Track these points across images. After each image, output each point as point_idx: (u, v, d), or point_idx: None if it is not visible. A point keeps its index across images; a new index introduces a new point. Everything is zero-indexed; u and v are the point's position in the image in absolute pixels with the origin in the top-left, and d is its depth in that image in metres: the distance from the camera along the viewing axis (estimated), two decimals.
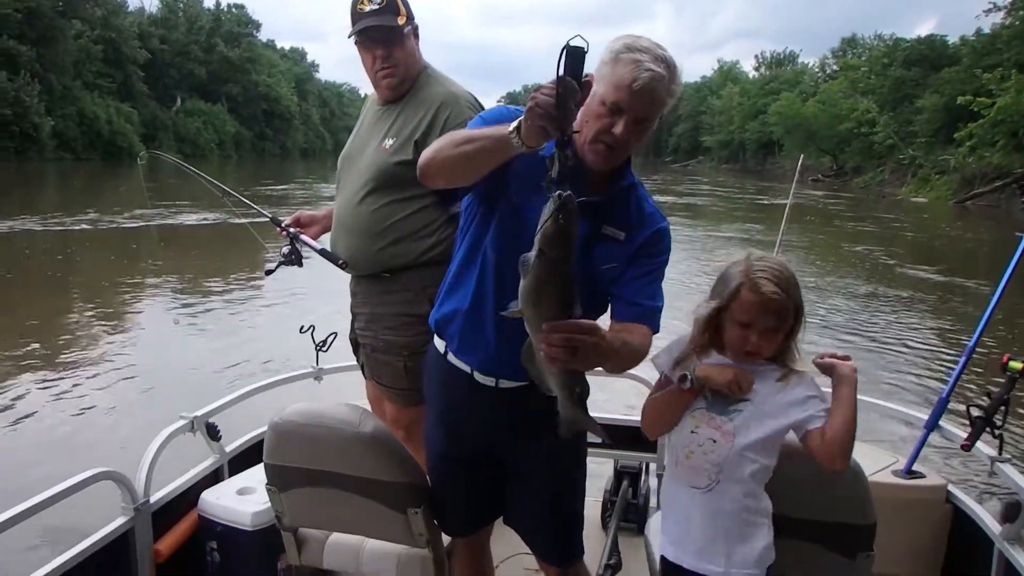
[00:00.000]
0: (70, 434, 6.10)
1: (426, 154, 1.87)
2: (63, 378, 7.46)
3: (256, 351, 8.16)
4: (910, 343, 9.80)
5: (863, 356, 8.65)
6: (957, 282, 14.41)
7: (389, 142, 2.63)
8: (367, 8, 2.57)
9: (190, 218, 19.15)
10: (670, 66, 1.78)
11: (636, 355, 1.87)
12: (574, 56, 1.49)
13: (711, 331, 1.88)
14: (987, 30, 40.63)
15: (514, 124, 1.61)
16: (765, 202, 32.60)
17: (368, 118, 2.83)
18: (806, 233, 20.97)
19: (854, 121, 47.53)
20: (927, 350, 9.53)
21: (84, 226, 18.43)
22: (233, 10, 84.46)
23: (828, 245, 19.98)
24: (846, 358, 1.88)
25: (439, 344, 2.14)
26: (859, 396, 1.85)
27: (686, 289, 12.60)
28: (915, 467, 2.95)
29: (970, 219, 28.26)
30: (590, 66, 1.61)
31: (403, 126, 2.63)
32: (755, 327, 1.81)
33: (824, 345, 8.70)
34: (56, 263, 14.25)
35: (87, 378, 7.49)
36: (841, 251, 19.09)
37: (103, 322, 9.91)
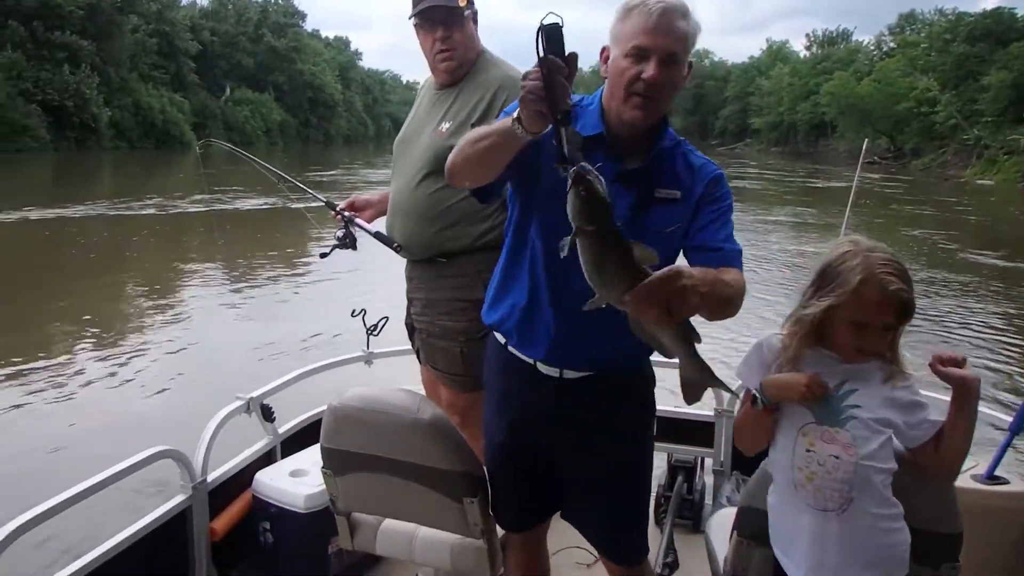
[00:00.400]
0: (127, 412, 6.22)
1: (450, 157, 1.84)
2: (123, 356, 7.74)
3: (307, 333, 8.23)
4: (980, 334, 9.38)
5: (929, 345, 8.33)
6: None
7: (446, 125, 2.62)
8: None
9: (246, 203, 19.66)
10: (681, 3, 1.77)
11: (732, 293, 1.70)
12: (551, 34, 1.49)
13: (815, 332, 1.74)
14: None
15: (515, 114, 1.59)
16: (818, 185, 32.08)
17: (424, 102, 2.83)
18: (861, 216, 20.26)
19: (913, 100, 46.30)
20: (998, 342, 9.09)
21: (151, 211, 19.02)
22: (279, 1, 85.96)
23: (886, 229, 19.37)
24: (963, 361, 1.71)
25: (500, 337, 2.09)
26: (931, 393, 1.77)
27: (751, 273, 12.57)
28: (997, 472, 2.77)
29: None
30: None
31: (460, 109, 2.62)
32: (872, 326, 1.67)
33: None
34: (123, 245, 14.89)
35: (147, 356, 7.71)
36: (899, 235, 18.47)
37: (163, 302, 10.30)
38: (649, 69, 1.72)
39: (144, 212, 18.73)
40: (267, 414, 3.06)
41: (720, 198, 1.88)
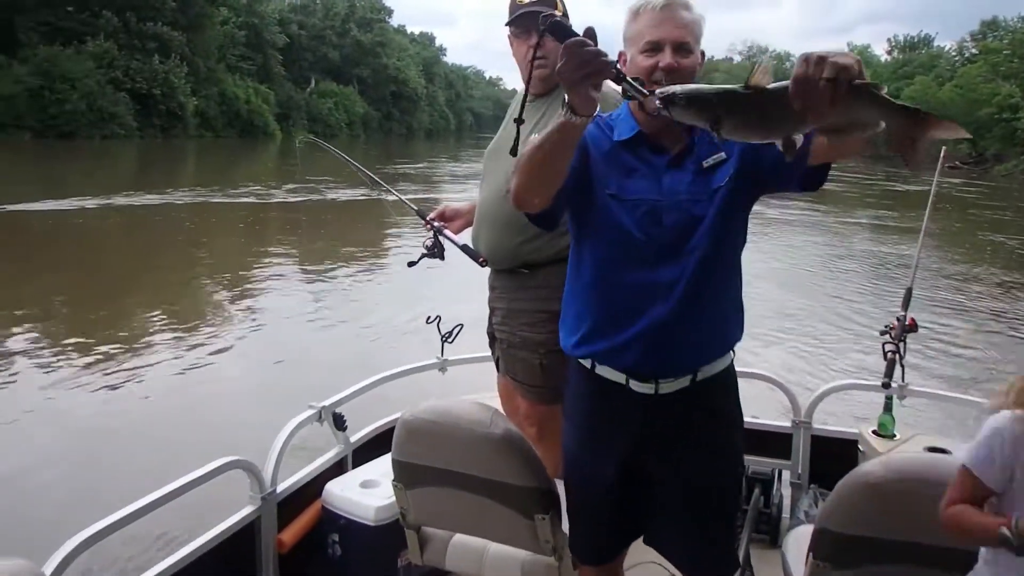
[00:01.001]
0: (198, 415, 6.17)
1: (512, 183, 1.86)
2: (200, 353, 7.77)
3: (384, 337, 8.19)
4: None
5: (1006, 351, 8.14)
6: None
7: (535, 137, 2.60)
8: (525, 0, 2.64)
9: (340, 194, 19.59)
10: None
11: None
12: (556, 29, 1.58)
13: None
14: None
15: (564, 108, 1.63)
16: (898, 188, 31.32)
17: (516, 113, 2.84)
18: (941, 221, 20.01)
19: (995, 106, 45.60)
20: None
21: (250, 199, 19.53)
22: None
23: (965, 233, 19.32)
24: None
25: (585, 361, 2.04)
26: None
27: (829, 274, 12.72)
28: None
29: None
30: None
31: (549, 122, 2.58)
32: None
33: (962, 333, 8.36)
34: (206, 233, 15.33)
35: (225, 355, 7.72)
36: (977, 239, 18.44)
37: (245, 299, 10.30)
38: (665, 58, 1.84)
39: (235, 200, 19.12)
40: (339, 423, 3.04)
41: None
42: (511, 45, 2.75)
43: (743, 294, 2.06)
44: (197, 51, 51.68)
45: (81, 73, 41.33)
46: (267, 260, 12.66)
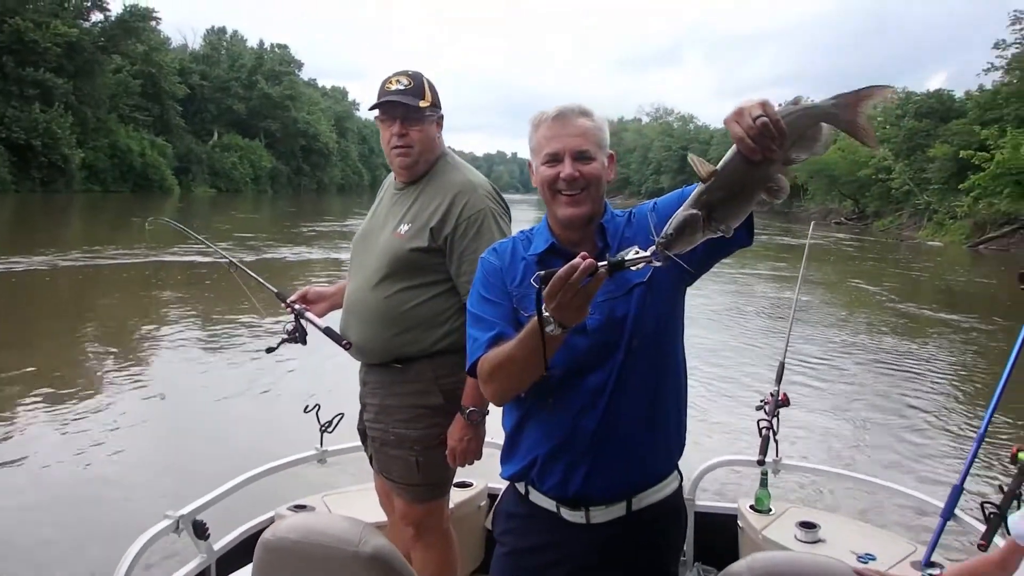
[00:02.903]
0: (38, 525, 5.03)
1: (486, 391, 1.89)
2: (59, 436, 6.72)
3: (255, 428, 7.05)
4: (919, 398, 9.16)
5: (867, 409, 8.37)
6: (964, 325, 14.30)
7: (404, 227, 2.59)
8: (392, 87, 2.59)
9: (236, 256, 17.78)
10: (575, 105, 1.90)
11: None
12: (547, 279, 1.51)
13: None
14: (990, 86, 42.61)
15: (552, 324, 1.57)
16: (792, 242, 33.10)
17: (385, 200, 2.79)
18: (824, 271, 22.56)
19: (873, 168, 47.78)
20: (938, 405, 8.99)
21: (127, 260, 18.22)
22: (276, 49, 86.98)
23: (840, 282, 20.98)
24: None
25: (518, 485, 1.98)
26: (871, 478, 1.76)
27: (737, 321, 13.45)
28: (934, 558, 2.78)
29: (983, 262, 28.65)
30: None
31: (419, 212, 2.59)
32: None
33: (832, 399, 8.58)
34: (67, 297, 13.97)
35: (86, 440, 6.61)
36: (848, 286, 20.10)
37: (105, 386, 8.64)
38: (565, 168, 1.83)
39: (112, 261, 17.74)
40: (200, 532, 2.76)
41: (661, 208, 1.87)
42: (380, 129, 2.69)
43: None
44: (85, 100, 50.21)
45: None
46: (151, 329, 11.54)
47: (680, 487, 2.00)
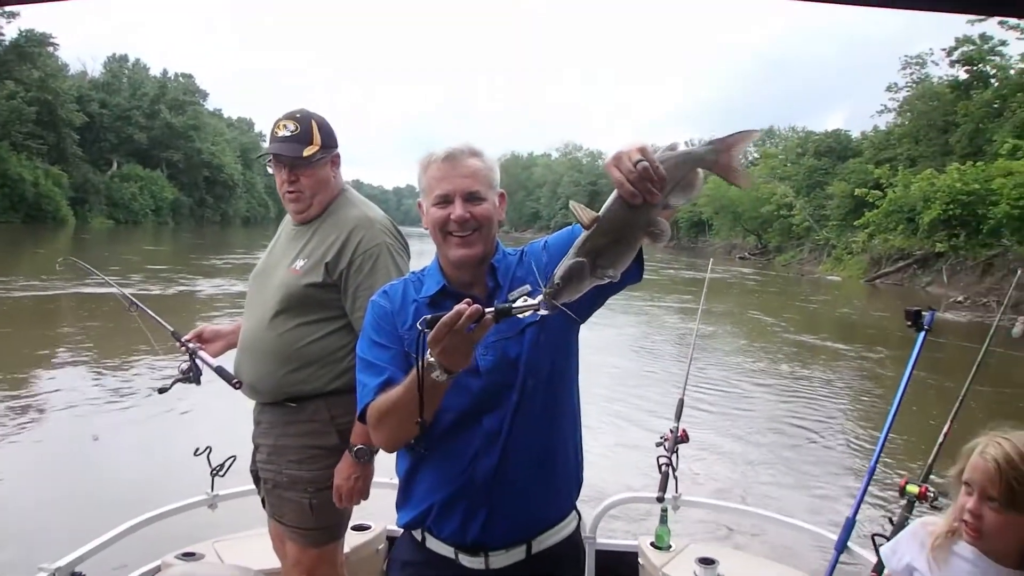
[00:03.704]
0: None
1: (376, 440, 1.88)
2: None
3: (145, 472, 6.63)
4: (816, 427, 9.35)
5: (764, 444, 8.40)
6: (854, 354, 14.84)
7: (300, 263, 2.57)
8: (280, 133, 2.56)
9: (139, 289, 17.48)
10: (465, 145, 1.87)
11: None
12: (432, 323, 1.51)
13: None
14: (883, 127, 45.80)
15: (437, 370, 1.57)
16: (698, 275, 34.31)
17: (282, 237, 2.77)
18: (726, 303, 23.44)
19: (774, 204, 49.75)
20: (833, 435, 9.16)
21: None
22: (180, 79, 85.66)
23: (739, 312, 21.76)
24: None
25: (415, 532, 1.93)
26: (767, 513, 1.95)
27: (646, 350, 13.68)
28: None
29: (879, 296, 29.92)
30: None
31: (315, 248, 2.57)
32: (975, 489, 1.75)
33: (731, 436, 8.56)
34: None
35: None
36: (747, 316, 20.92)
37: None
38: (456, 210, 1.81)
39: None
40: None
41: (549, 248, 1.89)
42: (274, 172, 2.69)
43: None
44: None
45: None
46: (39, 366, 10.69)
47: (579, 526, 1.99)
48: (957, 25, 39.96)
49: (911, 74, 42.74)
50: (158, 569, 3.04)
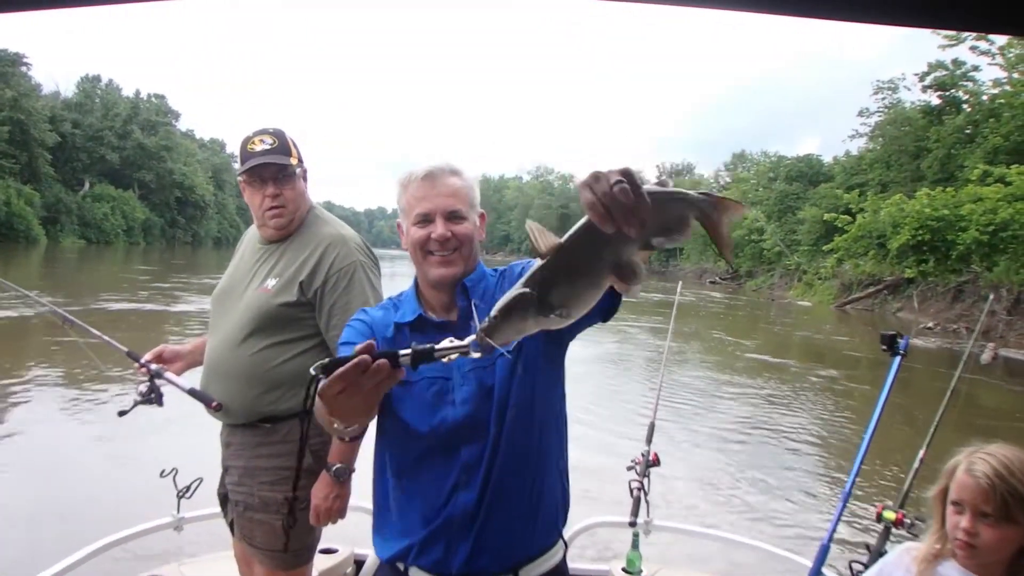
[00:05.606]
0: None
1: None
2: None
3: (109, 495, 6.35)
4: (791, 448, 9.32)
5: (741, 469, 8.33)
6: (826, 376, 14.96)
7: (272, 282, 2.52)
8: (258, 148, 2.52)
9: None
10: (445, 164, 1.84)
11: None
12: (331, 367, 1.33)
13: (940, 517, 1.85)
14: (855, 152, 46.32)
15: (337, 423, 1.53)
16: (669, 299, 34.39)
17: (247, 256, 2.70)
18: (695, 325, 23.76)
19: (745, 229, 49.82)
20: (808, 458, 9.06)
21: None
22: (153, 99, 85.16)
23: (705, 333, 22.07)
24: None
25: (398, 563, 1.84)
26: (740, 538, 1.89)
27: (620, 370, 13.91)
28: None
29: (848, 321, 29.94)
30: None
31: (287, 266, 2.53)
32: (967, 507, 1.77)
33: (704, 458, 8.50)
34: None
35: None
36: (712, 338, 21.22)
37: None
38: (437, 229, 1.78)
39: None
40: None
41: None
42: (243, 191, 2.61)
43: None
44: None
45: None
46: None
47: (565, 555, 1.92)
48: (930, 50, 40.50)
49: (883, 99, 42.93)
50: None
